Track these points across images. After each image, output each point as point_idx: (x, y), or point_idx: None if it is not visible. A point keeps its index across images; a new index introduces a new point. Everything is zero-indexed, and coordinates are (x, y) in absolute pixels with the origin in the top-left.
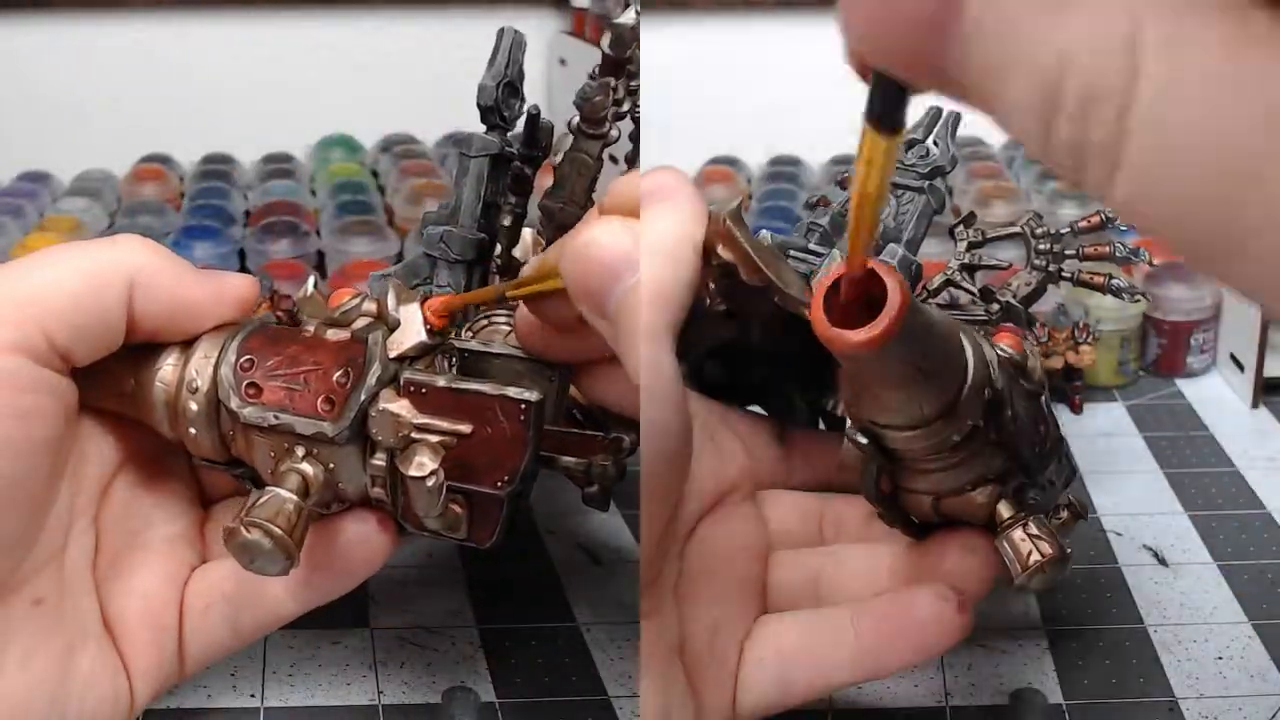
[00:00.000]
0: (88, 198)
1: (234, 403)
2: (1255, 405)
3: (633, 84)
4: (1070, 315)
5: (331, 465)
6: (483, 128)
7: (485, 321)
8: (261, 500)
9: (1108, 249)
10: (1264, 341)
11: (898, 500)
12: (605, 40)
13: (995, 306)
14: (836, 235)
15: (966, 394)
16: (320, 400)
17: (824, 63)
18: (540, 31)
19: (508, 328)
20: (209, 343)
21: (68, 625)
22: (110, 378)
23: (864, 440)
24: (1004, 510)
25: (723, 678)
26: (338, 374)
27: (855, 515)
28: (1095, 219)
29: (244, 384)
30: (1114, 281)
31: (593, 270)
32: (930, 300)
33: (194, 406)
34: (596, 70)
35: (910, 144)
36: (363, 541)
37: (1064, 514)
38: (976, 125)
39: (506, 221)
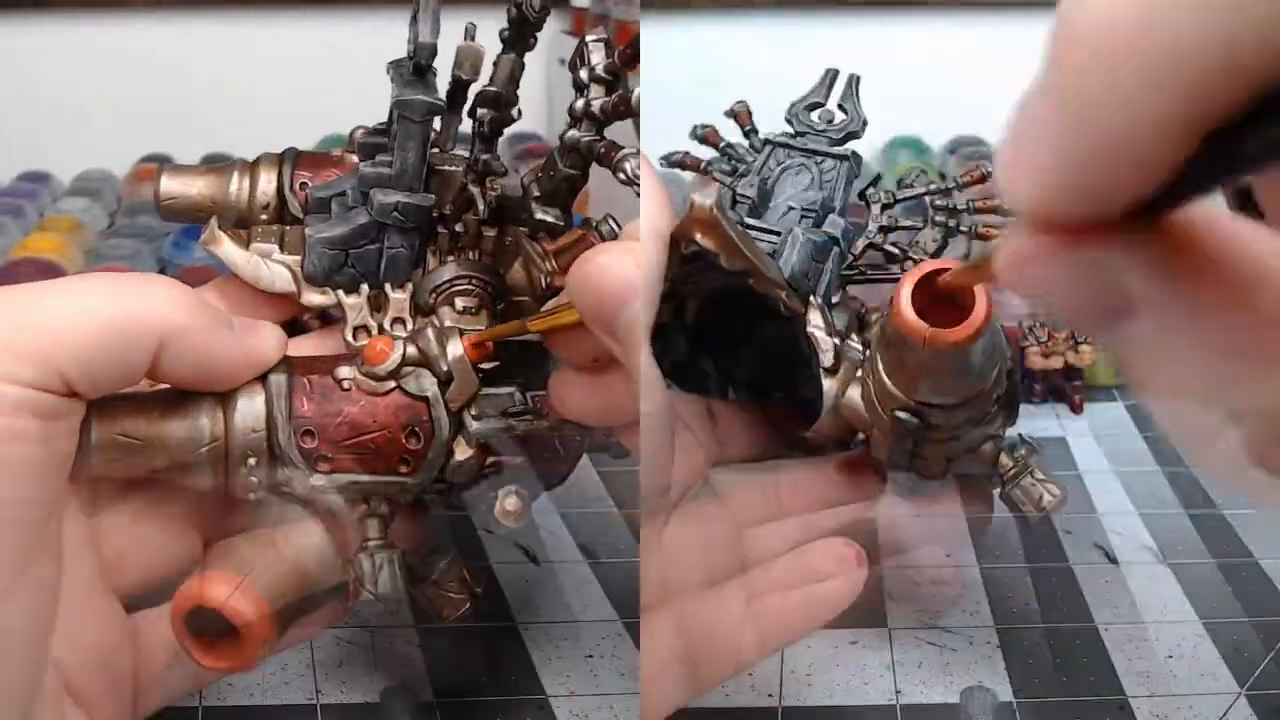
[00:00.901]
0: (88, 198)
1: (310, 480)
2: None
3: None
4: None
5: (403, 500)
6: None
7: (446, 286)
8: (379, 569)
9: (995, 201)
10: None
11: (913, 465)
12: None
13: (909, 264)
14: (764, 204)
15: (997, 371)
16: (395, 461)
17: (820, 61)
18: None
19: (463, 301)
20: (247, 409)
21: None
22: (143, 459)
23: (915, 420)
24: (1006, 460)
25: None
26: (405, 436)
27: (811, 480)
28: (976, 173)
29: (314, 458)
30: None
31: (602, 294)
32: (857, 264)
33: (254, 479)
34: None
35: (812, 106)
36: None
37: (1022, 449)
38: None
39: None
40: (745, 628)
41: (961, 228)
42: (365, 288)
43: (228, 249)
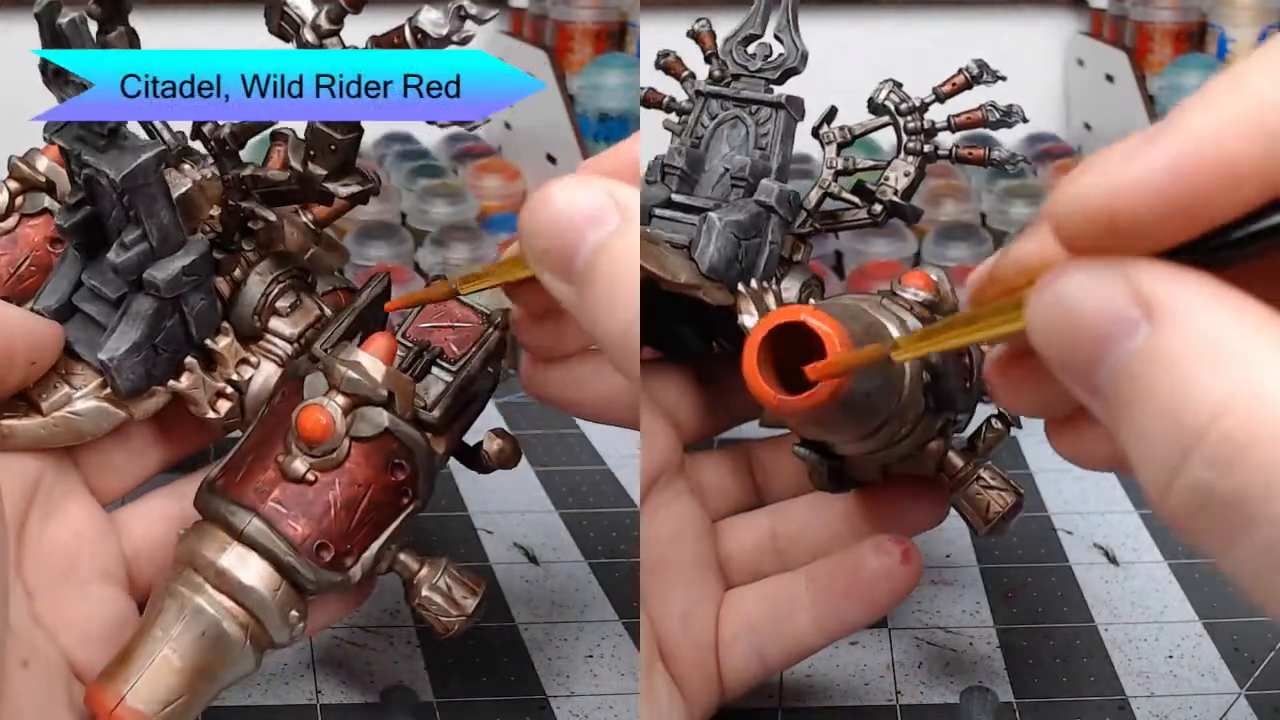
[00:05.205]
0: None
1: (352, 577)
2: None
3: None
4: None
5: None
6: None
7: (263, 300)
8: (450, 591)
9: (979, 114)
10: None
11: (844, 474)
12: None
13: (878, 208)
14: (696, 171)
15: (909, 391)
16: (398, 500)
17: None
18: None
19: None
20: (249, 577)
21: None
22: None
23: (813, 455)
24: (955, 460)
25: (704, 659)
26: (391, 473)
27: (786, 459)
28: (959, 79)
29: (340, 561)
30: (994, 153)
31: (553, 227)
32: (810, 218)
33: (302, 625)
34: None
35: (747, 40)
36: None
37: (997, 424)
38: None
39: None
40: (804, 616)
41: (940, 151)
42: (189, 359)
43: (27, 430)
